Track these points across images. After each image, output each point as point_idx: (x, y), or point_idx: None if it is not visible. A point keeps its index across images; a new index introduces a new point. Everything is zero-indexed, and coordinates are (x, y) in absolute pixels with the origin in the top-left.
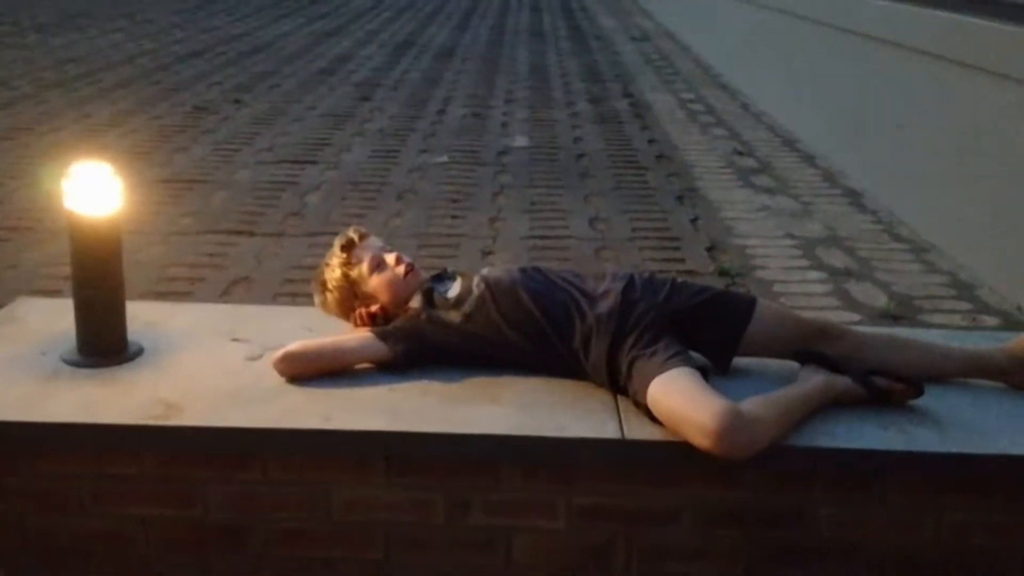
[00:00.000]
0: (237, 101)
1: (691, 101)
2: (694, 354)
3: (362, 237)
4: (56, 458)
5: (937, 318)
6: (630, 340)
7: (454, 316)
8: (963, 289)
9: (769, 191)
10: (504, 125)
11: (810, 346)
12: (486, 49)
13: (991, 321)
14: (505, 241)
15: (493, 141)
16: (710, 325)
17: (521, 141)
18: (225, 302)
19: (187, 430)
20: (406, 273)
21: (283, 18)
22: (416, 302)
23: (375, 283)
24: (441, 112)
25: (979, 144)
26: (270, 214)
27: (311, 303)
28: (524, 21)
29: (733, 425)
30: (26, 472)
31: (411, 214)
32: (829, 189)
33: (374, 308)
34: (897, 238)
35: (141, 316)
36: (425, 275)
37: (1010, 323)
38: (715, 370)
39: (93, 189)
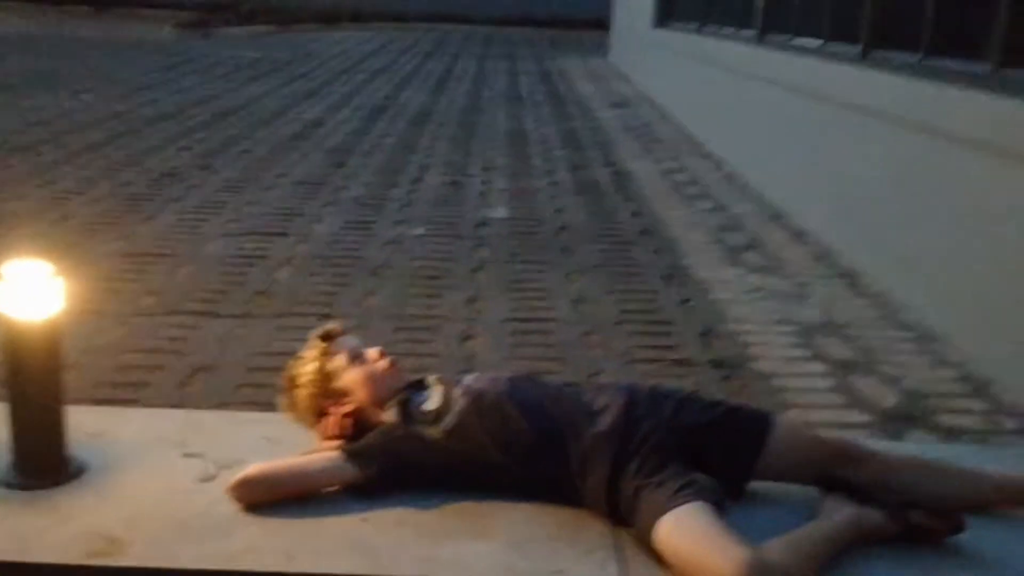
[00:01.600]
0: (206, 167)
1: (674, 171)
2: (704, 478)
3: (340, 332)
4: None
5: (950, 419)
6: (633, 465)
7: (434, 432)
8: (976, 385)
9: (761, 270)
10: (482, 195)
11: (833, 470)
12: (463, 114)
13: (1010, 424)
14: (485, 324)
15: (471, 212)
16: (721, 447)
17: (501, 212)
18: (185, 393)
19: (130, 571)
20: (388, 367)
21: (256, 80)
22: (391, 415)
23: (352, 377)
24: (417, 180)
25: (988, 226)
26: (236, 292)
27: (274, 398)
28: (501, 85)
29: (759, 567)
30: None
31: (386, 292)
32: (823, 269)
33: (348, 407)
34: (900, 325)
35: (86, 425)
36: (406, 376)
37: None
38: (728, 495)
39: (31, 291)
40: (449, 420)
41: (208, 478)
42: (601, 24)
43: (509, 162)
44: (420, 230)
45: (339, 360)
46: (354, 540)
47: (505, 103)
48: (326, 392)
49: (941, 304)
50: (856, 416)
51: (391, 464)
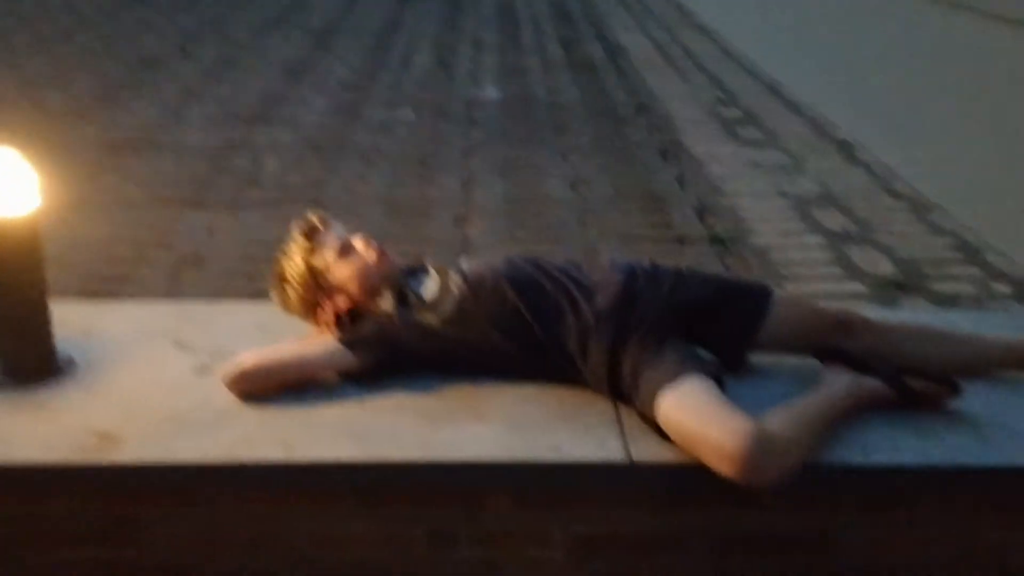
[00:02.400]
0: (184, 52)
1: (667, 44)
2: (704, 353)
3: (324, 222)
4: None
5: (946, 286)
6: (633, 342)
7: (431, 319)
8: (970, 252)
9: (756, 144)
10: (472, 74)
11: (832, 341)
12: None
13: (1004, 289)
14: (479, 207)
15: (461, 92)
16: (721, 320)
17: (492, 93)
18: (174, 286)
19: (124, 468)
20: (377, 258)
21: None
22: (387, 303)
23: (342, 272)
24: (405, 62)
25: (985, 93)
26: (223, 181)
27: (267, 287)
28: None
29: (760, 449)
30: None
31: (376, 177)
32: (819, 141)
33: (341, 303)
34: (895, 195)
35: (73, 320)
36: (397, 262)
37: None
38: (727, 370)
39: (5, 186)
40: (447, 306)
41: (202, 369)
42: None
43: (498, 39)
44: (409, 113)
45: (326, 255)
46: (352, 427)
47: None
48: (316, 288)
49: (936, 173)
50: (853, 286)
51: (388, 352)
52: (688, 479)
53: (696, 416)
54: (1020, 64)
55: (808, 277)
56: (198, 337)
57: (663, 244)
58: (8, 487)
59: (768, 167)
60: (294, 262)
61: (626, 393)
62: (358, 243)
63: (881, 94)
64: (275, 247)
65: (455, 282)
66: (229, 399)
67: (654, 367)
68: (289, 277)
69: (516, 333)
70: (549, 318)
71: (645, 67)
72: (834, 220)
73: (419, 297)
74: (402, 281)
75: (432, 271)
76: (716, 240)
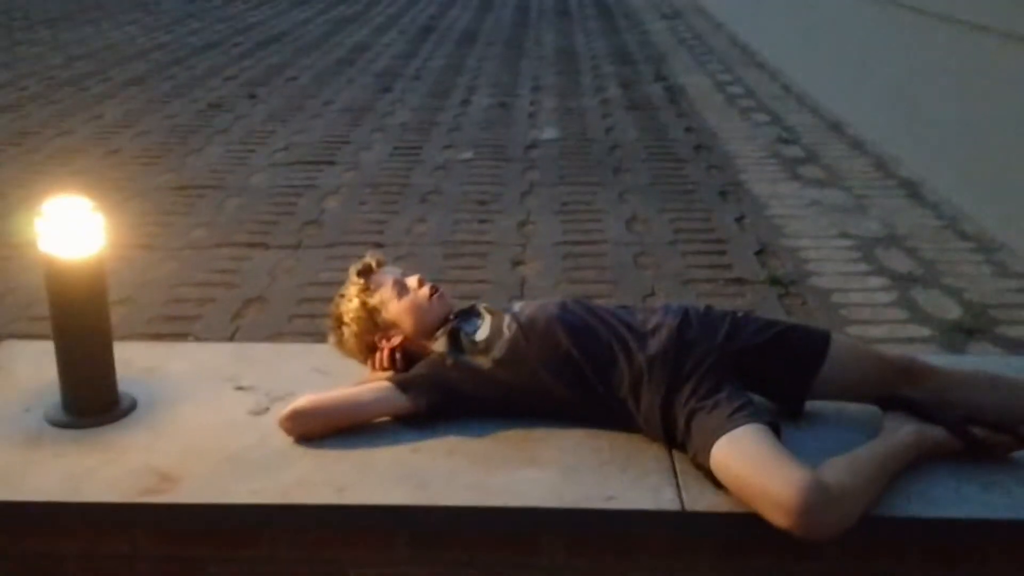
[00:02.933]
0: (252, 96)
1: (728, 83)
2: (759, 399)
3: (379, 263)
4: (43, 536)
5: (1017, 331)
6: (687, 388)
7: (483, 361)
8: None
9: (819, 183)
10: (531, 115)
11: (893, 389)
12: (510, 32)
13: None
14: (536, 248)
15: (520, 133)
16: (778, 367)
17: (550, 133)
18: (236, 326)
19: (183, 507)
20: (431, 296)
21: (300, 5)
22: (440, 344)
23: (397, 309)
24: (465, 103)
25: None
26: (286, 222)
27: (325, 329)
28: (549, 2)
29: (818, 501)
30: (12, 551)
31: (435, 219)
32: (883, 180)
33: (396, 339)
34: (963, 236)
35: (137, 360)
36: (452, 303)
37: None
38: (785, 417)
39: (71, 228)
40: (499, 349)
41: (260, 411)
42: None
43: (558, 81)
44: (469, 154)
45: (382, 293)
46: (405, 470)
47: (553, 19)
48: (373, 327)
49: (1004, 212)
50: (918, 330)
51: (441, 394)
52: (743, 528)
53: (751, 466)
54: None
55: (872, 321)
56: (257, 379)
57: (722, 286)
58: (70, 525)
59: (830, 207)
60: (351, 302)
61: (679, 440)
62: (412, 282)
63: (947, 131)
64: (335, 288)
65: (508, 325)
66: (286, 441)
67: (708, 413)
68: (346, 317)
69: (568, 377)
70: (602, 363)
71: (705, 106)
72: (899, 261)
73: (471, 339)
74: (455, 323)
75: (485, 313)
76: (776, 282)
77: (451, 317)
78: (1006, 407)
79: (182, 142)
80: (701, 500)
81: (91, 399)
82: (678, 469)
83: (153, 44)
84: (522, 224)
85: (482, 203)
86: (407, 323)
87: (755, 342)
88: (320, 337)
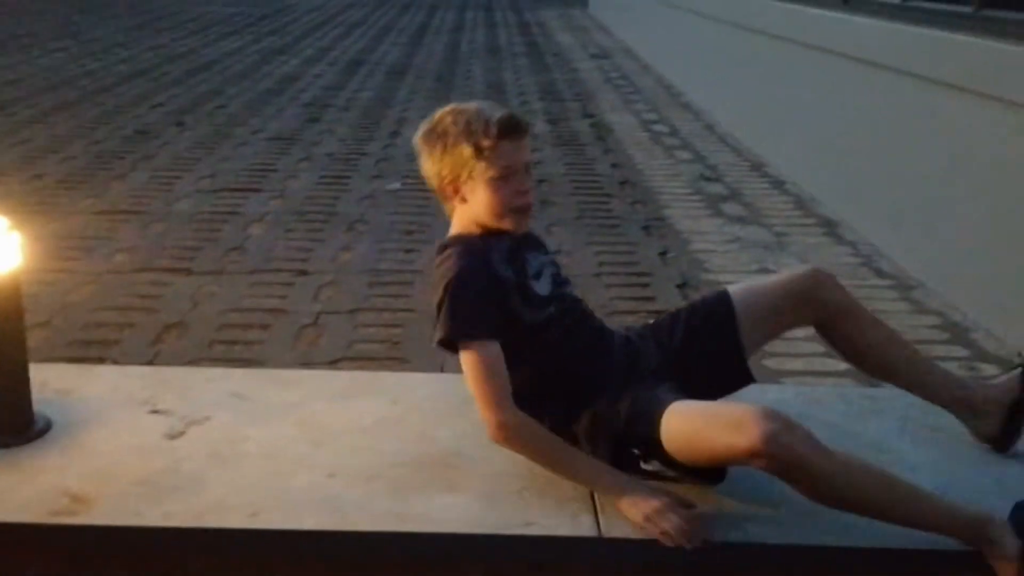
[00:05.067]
0: (179, 123)
1: (654, 122)
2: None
3: (529, 129)
4: None
5: None
6: (637, 390)
7: (538, 318)
8: (956, 332)
9: (740, 220)
10: None
11: (809, 297)
12: (441, 66)
13: (990, 370)
14: None
15: None
16: (706, 348)
17: (393, 184)
18: (156, 351)
19: (95, 530)
20: (521, 212)
21: (230, 35)
22: (501, 266)
23: (481, 197)
24: (394, 134)
25: (969, 171)
26: (209, 249)
27: (247, 355)
28: (479, 38)
29: (774, 415)
30: None
31: (361, 247)
32: (803, 218)
33: (460, 214)
34: (880, 273)
35: (52, 382)
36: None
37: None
38: (740, 384)
39: None
40: (547, 313)
41: (175, 435)
42: None
43: None
44: (397, 184)
45: (485, 170)
46: (322, 495)
47: (483, 56)
48: (457, 177)
49: (921, 251)
50: (835, 364)
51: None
52: (660, 554)
53: (704, 414)
54: (1004, 143)
55: (790, 354)
56: (172, 402)
57: (645, 318)
58: None
59: (751, 243)
60: (460, 142)
61: (622, 429)
62: (519, 184)
63: (864, 172)
64: (257, 315)
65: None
66: (200, 465)
67: (657, 398)
68: (448, 143)
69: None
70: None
71: (631, 144)
72: None
73: (532, 287)
74: (523, 253)
75: (546, 268)
76: None
77: (520, 238)
78: (886, 357)
79: (107, 168)
80: (618, 527)
81: (5, 420)
82: (596, 496)
83: (82, 71)
84: None
85: (409, 233)
86: (481, 212)
87: (676, 345)
88: (238, 363)
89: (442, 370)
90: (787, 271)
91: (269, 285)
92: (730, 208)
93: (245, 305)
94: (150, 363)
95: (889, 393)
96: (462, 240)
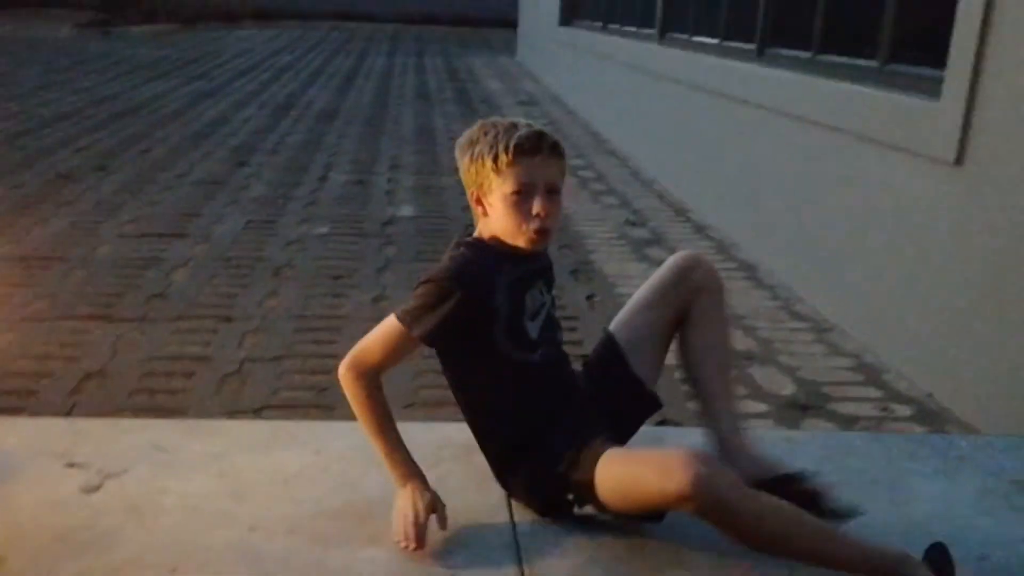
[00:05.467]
0: (102, 168)
1: (581, 168)
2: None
3: (556, 149)
4: None
5: (847, 407)
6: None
7: (516, 356)
8: (870, 373)
9: None
10: (389, 193)
11: (684, 285)
12: (370, 111)
13: (904, 411)
14: None
15: (378, 210)
16: (607, 388)
17: (407, 210)
18: (74, 401)
19: None
20: (535, 234)
21: (157, 79)
22: (501, 297)
23: (501, 211)
24: (323, 179)
25: (877, 218)
26: (131, 295)
27: (169, 404)
28: (409, 83)
29: (703, 458)
30: None
31: (288, 293)
32: (724, 262)
33: (481, 221)
34: (797, 316)
35: None
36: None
37: (923, 412)
38: (653, 408)
39: None
40: (532, 359)
41: (91, 489)
42: (508, 23)
43: (417, 159)
44: (324, 229)
45: (501, 184)
46: (241, 550)
47: (413, 101)
48: (480, 186)
49: (834, 295)
50: (755, 406)
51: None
52: None
53: (635, 460)
54: (908, 192)
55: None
56: (89, 455)
57: (573, 361)
58: None
59: None
60: (486, 157)
61: (561, 473)
62: (536, 206)
63: (781, 218)
64: (179, 363)
65: (543, 350)
66: (117, 520)
67: (591, 446)
68: (475, 153)
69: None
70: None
71: None
72: (738, 340)
73: (525, 330)
74: (525, 285)
75: (544, 307)
76: None
77: (528, 264)
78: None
79: (27, 213)
80: (543, 574)
81: None
82: (521, 544)
83: (4, 114)
84: (377, 299)
85: (336, 278)
86: (497, 227)
87: (590, 396)
88: (160, 413)
89: None
90: (654, 279)
91: (192, 332)
92: (654, 252)
93: (167, 353)
94: (68, 414)
95: (808, 435)
96: (477, 247)
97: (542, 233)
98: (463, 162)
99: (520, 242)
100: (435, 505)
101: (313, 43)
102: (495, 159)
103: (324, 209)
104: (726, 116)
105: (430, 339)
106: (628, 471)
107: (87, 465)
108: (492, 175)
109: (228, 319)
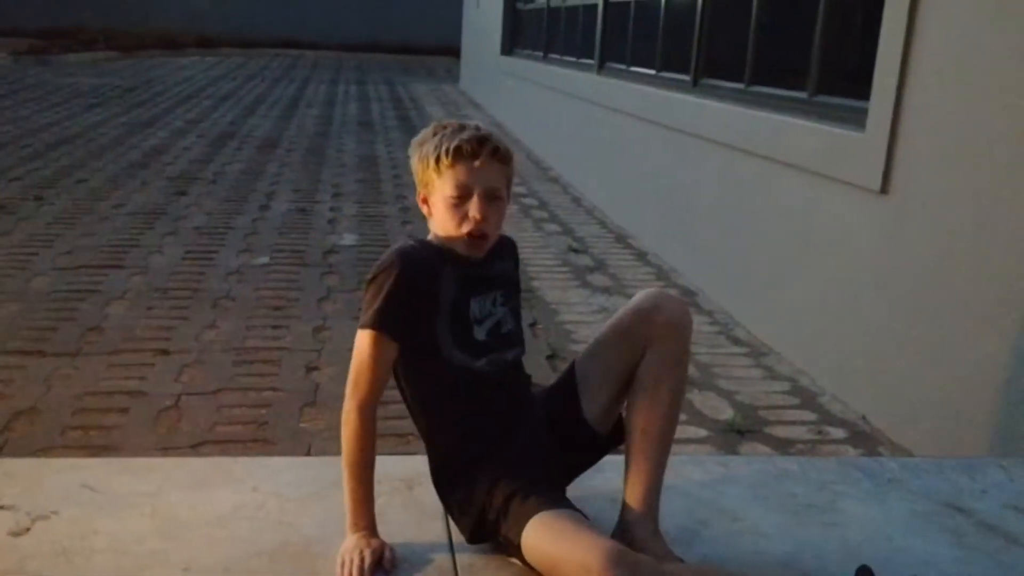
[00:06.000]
0: (38, 198)
1: (523, 195)
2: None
3: (498, 155)
4: None
5: (783, 430)
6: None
7: (458, 357)
8: (805, 397)
9: (606, 291)
10: (331, 221)
11: (643, 332)
12: (312, 139)
13: (838, 433)
14: (332, 354)
15: (320, 239)
16: (565, 421)
17: (350, 239)
18: (4, 439)
19: None
20: (470, 237)
21: (95, 107)
22: (444, 289)
23: (441, 212)
24: (264, 207)
25: (808, 245)
26: (65, 328)
27: (103, 441)
28: (352, 111)
29: (622, 561)
30: None
31: (227, 324)
32: (664, 289)
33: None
34: (735, 341)
35: None
36: (488, 248)
37: (856, 434)
38: (612, 444)
39: None
40: (476, 365)
41: (20, 531)
42: (451, 51)
43: (359, 187)
44: (264, 259)
45: (441, 185)
46: None
47: (355, 129)
48: (424, 185)
49: (770, 320)
50: (696, 431)
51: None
52: None
53: (561, 538)
54: (838, 219)
55: None
56: (17, 496)
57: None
58: None
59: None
60: (429, 156)
61: (491, 519)
62: (473, 209)
63: (717, 245)
64: (115, 398)
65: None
66: (46, 564)
67: (527, 503)
68: (420, 154)
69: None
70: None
71: None
72: None
73: (471, 332)
74: (470, 287)
75: (494, 309)
76: None
77: (482, 265)
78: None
79: None
80: None
81: None
82: None
83: None
84: (318, 330)
85: (277, 308)
86: (438, 228)
87: (547, 420)
88: (93, 450)
89: (309, 452)
90: (614, 322)
91: (128, 366)
92: (596, 279)
93: (102, 388)
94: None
95: (743, 460)
96: (423, 242)
97: (478, 238)
98: (413, 161)
99: (458, 245)
100: (383, 553)
101: (255, 71)
102: (437, 160)
103: (265, 238)
104: (664, 145)
105: (386, 324)
106: (551, 552)
107: (15, 507)
108: (434, 176)
109: (165, 352)
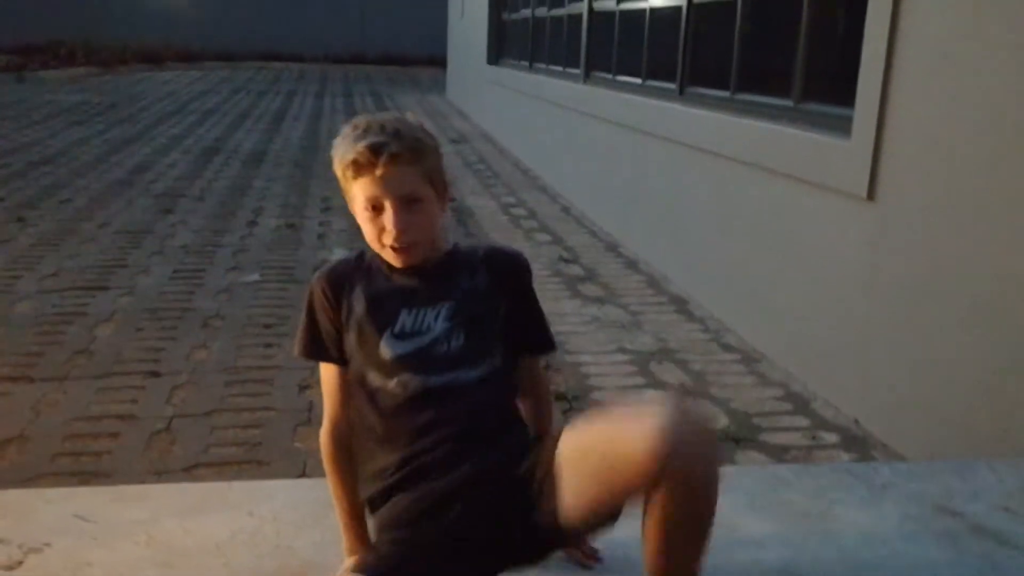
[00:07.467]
0: (20, 219)
1: (513, 205)
2: None
3: (400, 160)
4: None
5: (777, 437)
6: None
7: (368, 371)
8: (798, 403)
9: (597, 301)
10: (321, 237)
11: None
12: (299, 153)
13: (831, 438)
14: None
15: (310, 255)
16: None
17: (340, 254)
18: None
19: None
20: (393, 250)
21: (76, 125)
22: (357, 295)
23: (362, 224)
24: (252, 224)
25: (797, 251)
26: (53, 353)
27: (94, 467)
28: (339, 124)
29: (683, 403)
30: None
31: (217, 344)
32: (656, 296)
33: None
34: (727, 348)
35: None
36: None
37: (850, 439)
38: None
39: None
40: (387, 385)
41: (12, 565)
42: (437, 61)
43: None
44: (254, 276)
45: (356, 196)
46: None
47: None
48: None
49: (761, 326)
50: None
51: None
52: None
53: (608, 418)
54: (825, 224)
55: None
56: (8, 528)
57: None
58: None
59: (609, 323)
60: (345, 158)
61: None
62: (388, 221)
63: (708, 252)
64: (104, 423)
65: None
66: None
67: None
68: (337, 156)
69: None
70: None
71: (492, 227)
72: (671, 374)
73: (380, 342)
74: (397, 294)
75: (417, 322)
76: (561, 397)
77: (429, 276)
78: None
79: None
80: None
81: None
82: None
83: None
84: None
85: (268, 327)
86: (364, 235)
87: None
88: (84, 476)
89: (304, 473)
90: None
91: (118, 390)
92: (588, 289)
93: (92, 412)
94: None
95: (741, 470)
96: (360, 254)
97: (402, 249)
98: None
99: (387, 255)
100: None
101: (240, 84)
102: (343, 172)
103: (254, 255)
104: (651, 153)
105: (306, 347)
106: (597, 437)
107: (7, 540)
108: (349, 187)
109: (155, 374)
